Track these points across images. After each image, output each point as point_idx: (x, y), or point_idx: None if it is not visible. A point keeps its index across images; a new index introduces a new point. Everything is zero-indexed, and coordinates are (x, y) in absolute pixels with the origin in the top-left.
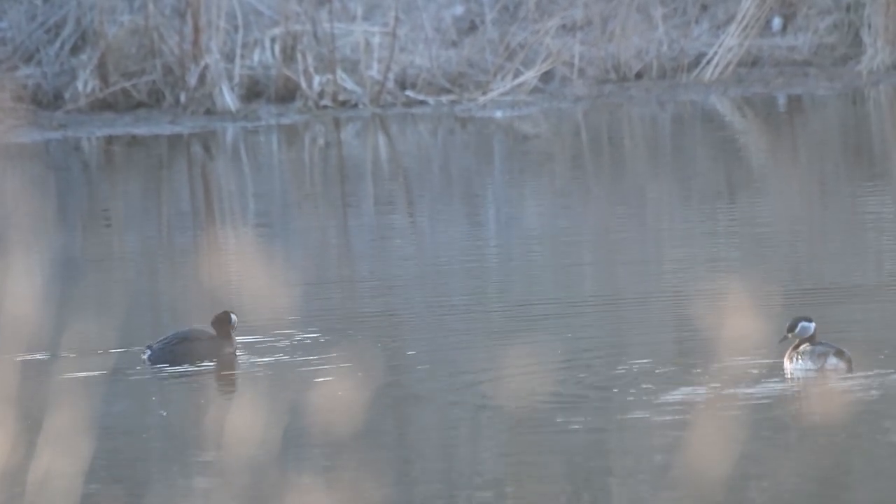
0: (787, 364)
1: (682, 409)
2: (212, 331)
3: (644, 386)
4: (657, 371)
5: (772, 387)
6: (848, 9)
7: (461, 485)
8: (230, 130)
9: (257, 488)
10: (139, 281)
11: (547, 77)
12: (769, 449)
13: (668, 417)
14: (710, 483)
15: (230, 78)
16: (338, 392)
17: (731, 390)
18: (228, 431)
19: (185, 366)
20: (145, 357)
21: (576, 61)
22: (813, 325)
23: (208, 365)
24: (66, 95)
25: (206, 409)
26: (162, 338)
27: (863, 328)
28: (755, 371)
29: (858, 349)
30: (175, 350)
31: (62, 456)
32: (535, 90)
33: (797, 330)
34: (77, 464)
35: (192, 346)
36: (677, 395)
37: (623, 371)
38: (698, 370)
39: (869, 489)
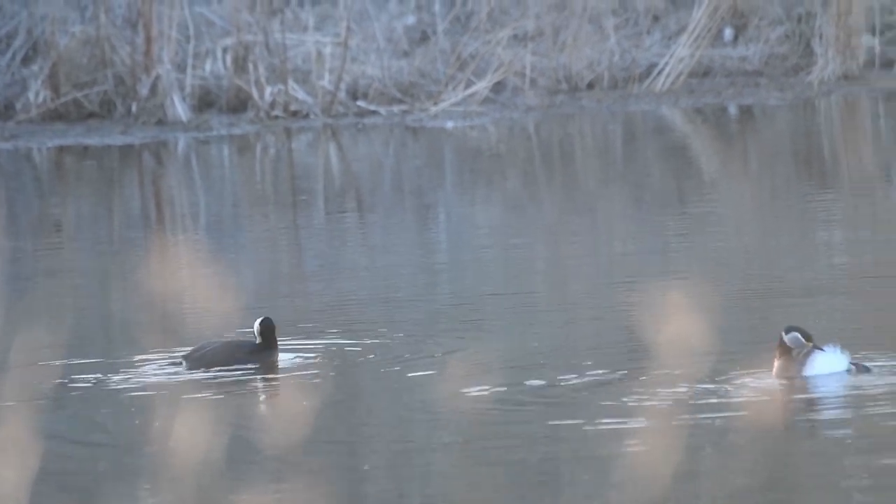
0: (801, 364)
1: (632, 414)
2: (253, 339)
3: (594, 391)
4: (607, 376)
5: (723, 393)
6: (799, 19)
7: (411, 493)
8: (182, 141)
9: (205, 502)
10: (90, 290)
11: (498, 87)
12: (721, 456)
13: (616, 423)
14: (659, 491)
15: (182, 88)
16: (303, 402)
17: (683, 395)
18: (182, 443)
19: (222, 371)
20: (183, 365)
21: (527, 72)
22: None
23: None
24: (18, 106)
25: (170, 421)
26: (199, 345)
27: (814, 329)
28: (706, 375)
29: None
30: (214, 357)
31: (11, 469)
32: (486, 100)
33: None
34: (26, 477)
35: (234, 352)
36: (628, 400)
37: (573, 376)
38: (648, 375)
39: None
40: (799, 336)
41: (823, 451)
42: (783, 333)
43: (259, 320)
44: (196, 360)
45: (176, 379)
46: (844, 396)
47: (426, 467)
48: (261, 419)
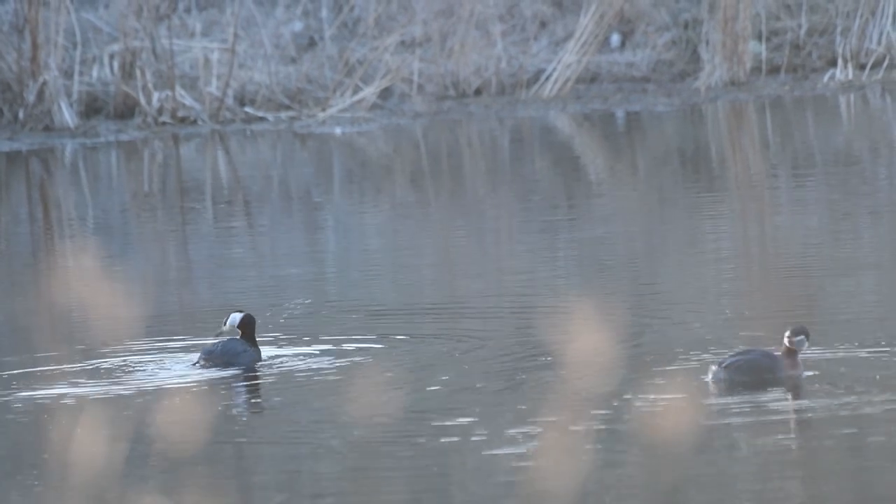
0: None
1: (528, 427)
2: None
3: (481, 404)
4: (501, 387)
5: (622, 402)
6: (686, 26)
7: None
8: (69, 147)
9: None
10: None
11: (386, 93)
12: (620, 467)
13: (514, 434)
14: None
15: (69, 94)
16: (192, 409)
17: (578, 405)
18: (78, 451)
19: (234, 370)
20: (199, 362)
21: (415, 78)
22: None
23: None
24: None
25: (69, 429)
26: (216, 342)
27: (700, 336)
28: (603, 384)
29: (704, 359)
30: (229, 357)
31: None
32: (374, 106)
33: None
34: None
35: (247, 352)
36: (522, 411)
37: (466, 386)
38: (543, 385)
39: None
40: (804, 339)
41: (717, 474)
42: (791, 336)
43: (240, 315)
44: (213, 359)
45: (77, 388)
46: (748, 415)
47: (319, 480)
48: (152, 427)
